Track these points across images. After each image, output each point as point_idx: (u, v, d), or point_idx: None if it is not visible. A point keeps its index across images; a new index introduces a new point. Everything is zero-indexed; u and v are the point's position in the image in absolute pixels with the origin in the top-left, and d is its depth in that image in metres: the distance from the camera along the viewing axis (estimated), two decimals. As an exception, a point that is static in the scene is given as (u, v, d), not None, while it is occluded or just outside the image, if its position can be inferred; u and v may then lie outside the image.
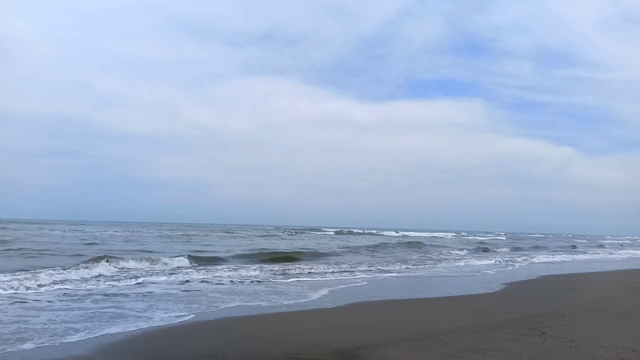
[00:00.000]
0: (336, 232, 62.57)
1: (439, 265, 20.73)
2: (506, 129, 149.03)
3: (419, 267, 19.36)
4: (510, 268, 20.16)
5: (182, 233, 45.23)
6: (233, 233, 50.52)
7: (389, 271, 16.92)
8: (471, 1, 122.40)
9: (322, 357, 5.60)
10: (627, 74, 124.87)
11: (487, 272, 17.86)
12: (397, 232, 69.38)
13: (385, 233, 63.85)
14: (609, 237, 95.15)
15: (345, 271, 16.32)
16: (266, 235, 46.00)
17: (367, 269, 17.49)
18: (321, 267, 17.27)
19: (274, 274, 14.96)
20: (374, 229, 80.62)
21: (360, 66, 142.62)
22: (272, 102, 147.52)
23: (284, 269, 16.12)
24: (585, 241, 65.14)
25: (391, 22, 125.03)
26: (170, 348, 5.99)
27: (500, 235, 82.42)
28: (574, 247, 46.87)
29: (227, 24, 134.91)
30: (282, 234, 53.17)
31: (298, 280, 13.36)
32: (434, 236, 61.14)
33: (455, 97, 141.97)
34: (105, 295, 9.92)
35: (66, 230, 44.88)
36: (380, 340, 6.39)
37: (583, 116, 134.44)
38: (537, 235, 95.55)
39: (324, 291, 11.27)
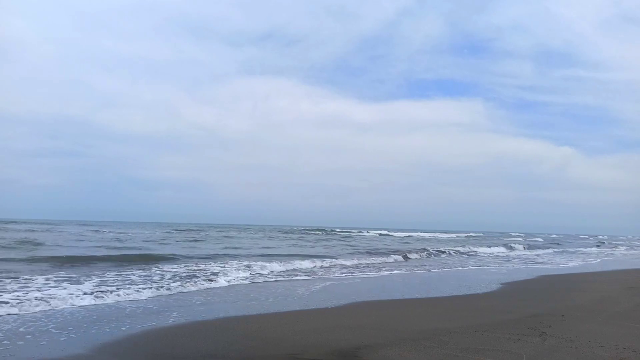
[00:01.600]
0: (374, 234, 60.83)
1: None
2: (506, 129, 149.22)
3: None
4: None
5: (225, 235, 44.11)
6: (265, 234, 49.14)
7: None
8: (471, 1, 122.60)
9: (322, 357, 5.60)
10: (627, 74, 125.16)
11: None
12: (420, 232, 68.76)
13: (400, 234, 62.91)
14: (622, 237, 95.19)
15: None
16: (320, 239, 42.75)
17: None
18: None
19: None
20: (374, 229, 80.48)
21: (360, 66, 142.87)
22: (272, 102, 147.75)
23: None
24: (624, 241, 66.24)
25: (391, 22, 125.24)
26: (170, 348, 5.99)
27: (520, 236, 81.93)
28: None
29: (227, 24, 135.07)
30: (312, 236, 51.04)
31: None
32: (469, 236, 60.83)
33: (455, 97, 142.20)
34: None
35: (88, 230, 44.16)
36: (380, 340, 6.39)
37: (583, 116, 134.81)
38: (554, 235, 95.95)
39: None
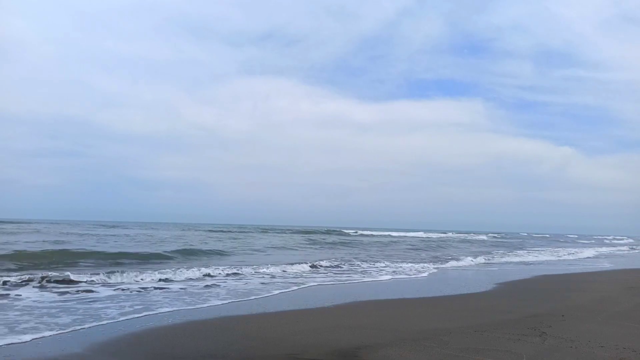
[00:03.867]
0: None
1: None
2: (506, 129, 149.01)
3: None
4: None
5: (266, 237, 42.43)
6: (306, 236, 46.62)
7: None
8: (471, 1, 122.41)
9: (322, 357, 5.60)
10: (627, 74, 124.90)
11: None
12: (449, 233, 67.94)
13: (432, 235, 62.80)
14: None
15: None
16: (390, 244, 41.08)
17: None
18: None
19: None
20: (374, 230, 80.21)
21: (360, 66, 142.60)
22: (272, 102, 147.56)
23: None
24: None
25: (391, 22, 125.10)
26: (170, 348, 5.99)
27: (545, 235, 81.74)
28: None
29: (227, 24, 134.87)
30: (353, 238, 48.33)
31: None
32: (497, 236, 60.43)
33: (455, 97, 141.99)
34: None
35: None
36: (380, 340, 6.39)
37: (583, 116, 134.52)
38: (573, 235, 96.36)
39: None
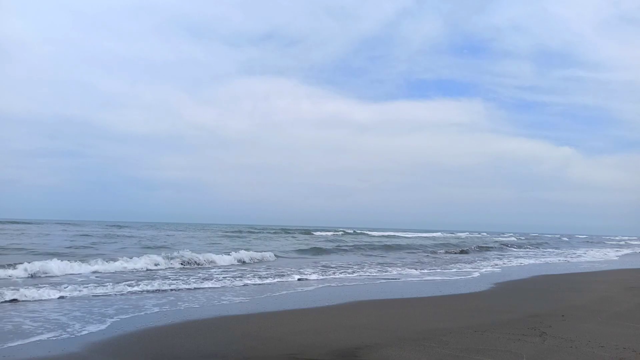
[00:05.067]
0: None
1: None
2: (506, 129, 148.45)
3: None
4: None
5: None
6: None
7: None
8: (471, 1, 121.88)
9: (322, 357, 5.60)
10: (627, 74, 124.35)
11: None
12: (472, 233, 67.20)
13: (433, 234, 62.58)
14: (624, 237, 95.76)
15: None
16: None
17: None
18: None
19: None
20: (378, 230, 79.99)
21: (360, 66, 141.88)
22: (272, 102, 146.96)
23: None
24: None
25: (391, 22, 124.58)
26: (170, 348, 5.99)
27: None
28: None
29: (227, 24, 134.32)
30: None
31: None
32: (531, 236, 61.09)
33: (455, 97, 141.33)
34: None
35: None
36: (380, 340, 6.39)
37: (583, 116, 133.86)
38: (584, 235, 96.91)
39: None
